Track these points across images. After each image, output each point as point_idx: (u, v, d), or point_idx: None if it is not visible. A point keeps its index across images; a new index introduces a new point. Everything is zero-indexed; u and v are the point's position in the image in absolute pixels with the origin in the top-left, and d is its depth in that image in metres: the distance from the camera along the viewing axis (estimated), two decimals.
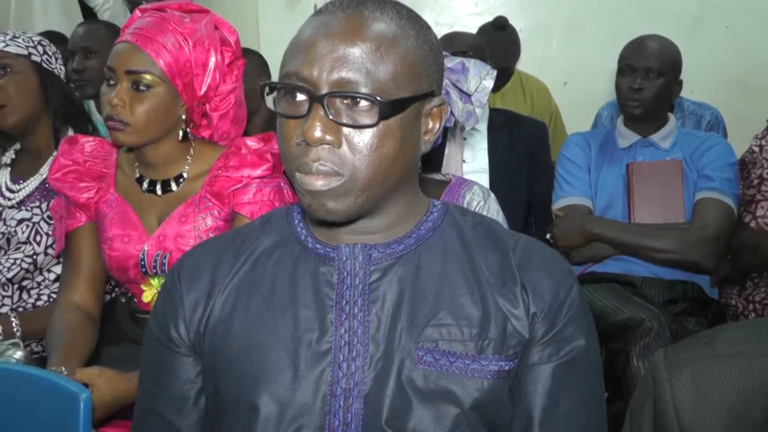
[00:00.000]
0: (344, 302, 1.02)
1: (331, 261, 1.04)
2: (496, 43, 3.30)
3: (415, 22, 1.02)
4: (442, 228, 1.07)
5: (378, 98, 0.94)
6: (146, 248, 1.69)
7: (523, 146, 2.67)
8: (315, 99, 0.95)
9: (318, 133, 0.94)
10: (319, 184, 0.96)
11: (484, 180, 2.55)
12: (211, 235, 1.65)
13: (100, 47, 2.79)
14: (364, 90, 0.95)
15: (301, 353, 1.01)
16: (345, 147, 0.96)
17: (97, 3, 3.84)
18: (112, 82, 1.63)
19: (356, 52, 0.95)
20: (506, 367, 1.01)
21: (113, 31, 2.86)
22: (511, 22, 3.54)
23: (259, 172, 1.66)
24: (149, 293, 1.74)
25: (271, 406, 1.00)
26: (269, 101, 1.01)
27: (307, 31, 0.98)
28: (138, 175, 1.74)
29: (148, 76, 1.61)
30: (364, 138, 0.96)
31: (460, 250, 1.06)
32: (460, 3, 4.24)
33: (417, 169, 1.07)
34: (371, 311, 1.01)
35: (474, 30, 3.46)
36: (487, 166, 2.62)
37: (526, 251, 1.06)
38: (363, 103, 0.95)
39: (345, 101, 0.96)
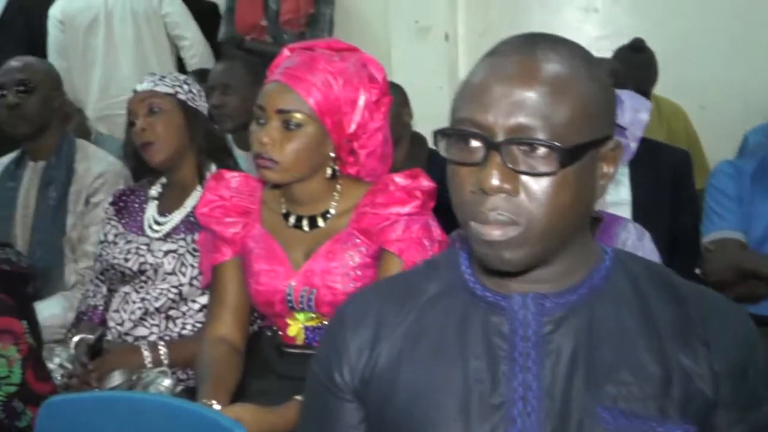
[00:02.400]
0: (517, 354, 0.98)
1: (501, 310, 1.01)
2: (635, 65, 3.21)
3: (586, 59, 0.98)
4: (615, 277, 1.02)
5: (557, 144, 0.91)
6: (293, 284, 1.70)
7: (667, 176, 2.56)
8: (492, 146, 0.92)
9: (496, 182, 0.92)
10: (496, 234, 0.93)
11: (626, 212, 2.46)
12: (358, 272, 1.66)
13: (238, 83, 2.89)
14: (541, 136, 0.91)
15: (472, 405, 0.98)
16: (522, 195, 0.93)
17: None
18: (261, 121, 1.66)
19: (532, 96, 0.92)
20: (691, 431, 0.95)
21: (251, 67, 2.96)
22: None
23: (407, 209, 1.65)
24: (294, 327, 1.74)
25: None
26: (441, 148, 0.99)
27: (480, 75, 0.96)
28: (284, 211, 1.76)
29: (298, 115, 1.63)
30: (542, 186, 0.92)
31: (634, 301, 1.00)
32: (592, 26, 4.14)
33: (590, 216, 1.03)
34: (545, 365, 0.97)
35: (604, 54, 3.37)
36: (629, 197, 2.52)
37: (704, 302, 1.00)
38: (541, 150, 0.92)
39: (522, 148, 0.93)
